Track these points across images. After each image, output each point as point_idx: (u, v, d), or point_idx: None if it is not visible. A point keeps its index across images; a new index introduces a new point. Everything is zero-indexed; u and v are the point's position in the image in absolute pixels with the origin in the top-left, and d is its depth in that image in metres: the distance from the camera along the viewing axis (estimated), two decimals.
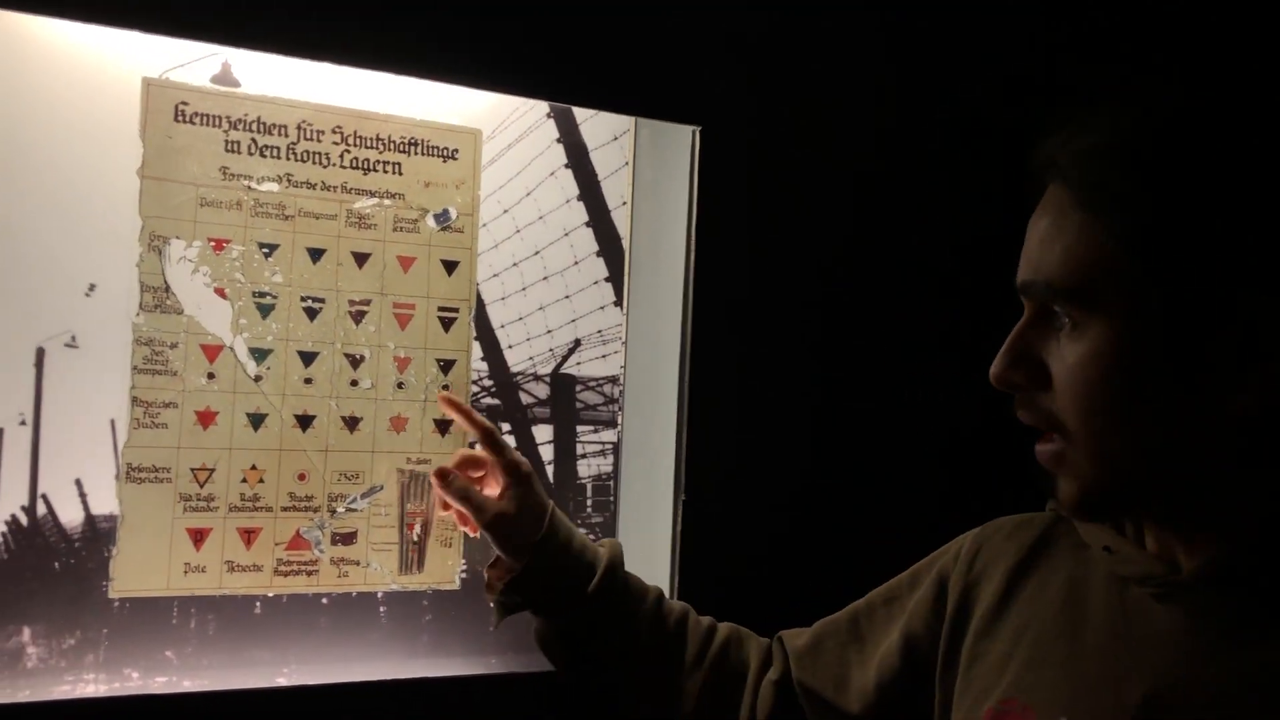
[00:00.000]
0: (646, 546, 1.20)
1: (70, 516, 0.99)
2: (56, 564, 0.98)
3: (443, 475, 0.99)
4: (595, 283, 1.20)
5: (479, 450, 1.03)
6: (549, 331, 1.18)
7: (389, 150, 1.10)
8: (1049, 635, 0.74)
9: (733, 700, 0.95)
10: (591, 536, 1.06)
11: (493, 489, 1.02)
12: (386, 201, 1.10)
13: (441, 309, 1.13)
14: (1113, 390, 0.64)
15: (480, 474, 1.04)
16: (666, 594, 1.13)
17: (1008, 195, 0.76)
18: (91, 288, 1.00)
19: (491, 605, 0.99)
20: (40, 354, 0.98)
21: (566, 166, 1.19)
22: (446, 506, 1.02)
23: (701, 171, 1.18)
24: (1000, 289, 0.75)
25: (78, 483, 0.99)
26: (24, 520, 0.97)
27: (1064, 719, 0.69)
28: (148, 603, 1.01)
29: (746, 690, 0.95)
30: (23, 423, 0.97)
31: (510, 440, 1.17)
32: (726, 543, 1.20)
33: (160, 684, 1.00)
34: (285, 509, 1.06)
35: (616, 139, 1.22)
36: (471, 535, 1.08)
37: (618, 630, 0.95)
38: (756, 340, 1.24)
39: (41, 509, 0.97)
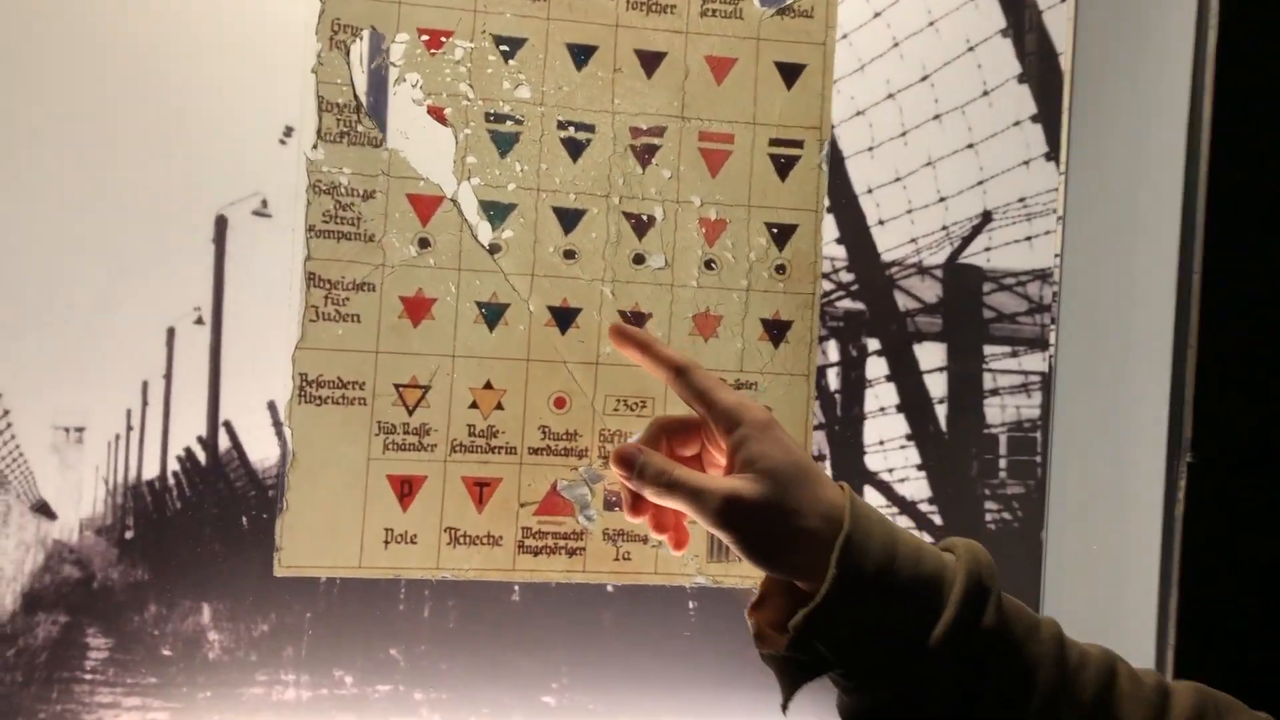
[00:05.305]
0: (1110, 534, 0.84)
1: (262, 453, 0.74)
2: (244, 519, 0.74)
3: (626, 459, 0.64)
4: (1016, 124, 0.84)
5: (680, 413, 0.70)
6: (942, 199, 0.84)
7: None
8: None
9: None
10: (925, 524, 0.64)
11: (716, 468, 0.68)
12: None
13: (776, 142, 0.77)
14: None
15: (693, 450, 0.68)
16: (1154, 614, 0.76)
17: None
18: (288, 131, 0.73)
19: (772, 668, 0.62)
20: (220, 225, 0.73)
21: None
22: (638, 510, 0.67)
23: None
24: None
25: (271, 406, 0.74)
26: (202, 457, 0.73)
27: None
28: (363, 581, 0.75)
29: None
30: (199, 320, 0.73)
31: (880, 364, 0.81)
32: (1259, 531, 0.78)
33: (383, 693, 0.76)
34: (535, 451, 0.74)
35: None
36: (675, 553, 0.70)
37: (992, 699, 0.57)
38: None
39: (224, 442, 0.74)
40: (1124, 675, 0.59)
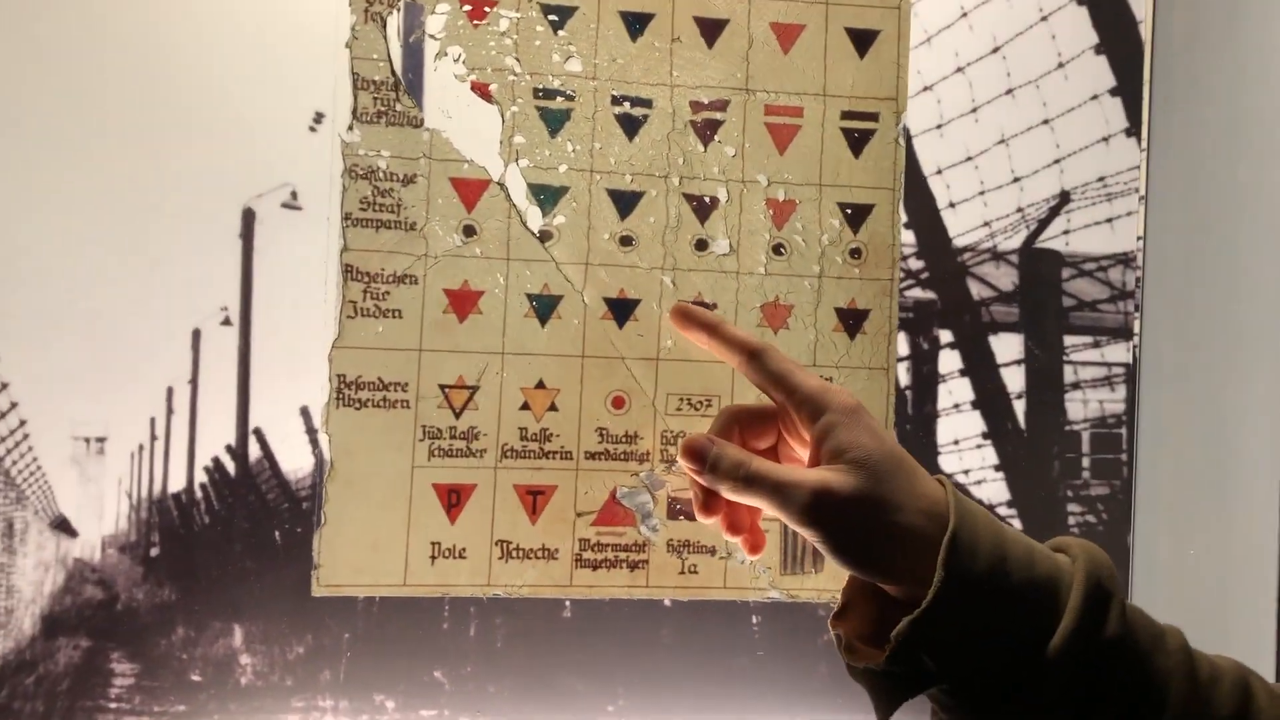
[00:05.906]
0: (1209, 539, 0.79)
1: (295, 463, 0.72)
2: (277, 534, 0.71)
3: (697, 451, 0.59)
4: (1094, 98, 0.81)
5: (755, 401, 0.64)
6: (1016, 180, 0.81)
7: None
8: None
9: None
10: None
11: (797, 459, 0.63)
12: None
13: (848, 115, 0.73)
14: None
15: (768, 442, 0.63)
16: (1273, 626, 0.72)
17: None
18: (318, 117, 0.69)
19: (865, 684, 0.58)
20: (248, 219, 0.70)
21: None
22: (711, 510, 0.62)
23: None
24: None
25: (304, 412, 0.71)
26: (231, 468, 0.71)
27: None
28: (404, 599, 0.72)
29: None
30: (226, 321, 0.70)
31: (953, 358, 0.77)
32: None
33: (427, 719, 0.74)
34: (592, 456, 0.70)
35: None
36: (751, 557, 0.64)
37: (1117, 718, 0.54)
38: None
39: (255, 451, 0.71)
40: (1260, 692, 0.54)
